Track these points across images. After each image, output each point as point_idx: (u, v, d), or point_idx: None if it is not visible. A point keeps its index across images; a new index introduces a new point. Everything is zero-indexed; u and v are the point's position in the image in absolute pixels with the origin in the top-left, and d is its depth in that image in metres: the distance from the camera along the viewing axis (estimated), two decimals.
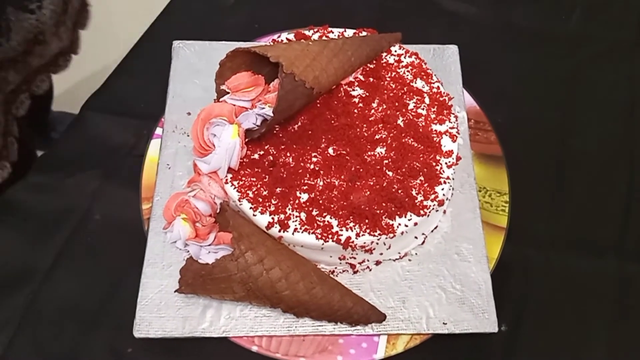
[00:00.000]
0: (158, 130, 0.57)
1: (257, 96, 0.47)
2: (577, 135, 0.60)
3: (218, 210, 0.49)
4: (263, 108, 0.46)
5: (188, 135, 0.55)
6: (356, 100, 0.51)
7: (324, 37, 0.54)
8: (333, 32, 0.55)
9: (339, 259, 0.48)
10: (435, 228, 0.52)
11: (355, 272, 0.50)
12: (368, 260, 0.49)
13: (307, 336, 0.48)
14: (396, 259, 0.50)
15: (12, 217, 0.53)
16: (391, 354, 0.48)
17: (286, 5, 0.67)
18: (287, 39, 0.54)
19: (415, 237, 0.50)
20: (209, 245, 0.47)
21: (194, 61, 0.60)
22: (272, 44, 0.54)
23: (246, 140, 0.46)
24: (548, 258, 0.53)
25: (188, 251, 0.49)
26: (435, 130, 0.50)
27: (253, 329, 0.47)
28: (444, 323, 0.48)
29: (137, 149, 0.56)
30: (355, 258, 0.48)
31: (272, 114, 0.45)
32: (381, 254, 0.49)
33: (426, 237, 0.51)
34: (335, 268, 0.50)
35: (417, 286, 0.50)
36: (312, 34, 0.54)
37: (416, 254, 0.51)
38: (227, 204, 0.49)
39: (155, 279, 0.49)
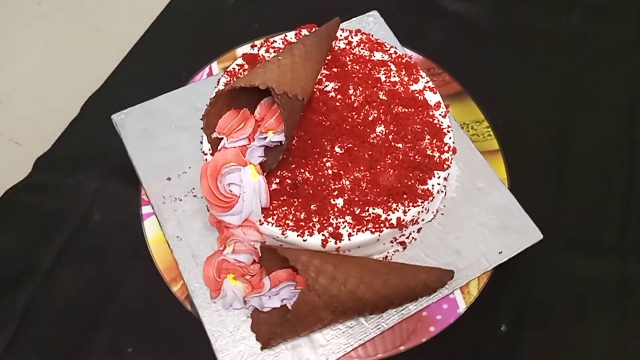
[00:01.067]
0: (145, 209, 0.53)
1: (252, 129, 0.46)
2: (577, 135, 0.60)
3: (260, 254, 0.47)
4: (266, 137, 0.45)
5: (181, 200, 0.52)
6: (333, 94, 0.51)
7: (270, 49, 0.53)
8: (277, 41, 0.54)
9: (391, 242, 0.49)
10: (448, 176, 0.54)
11: (405, 248, 0.51)
12: (413, 232, 0.50)
13: (395, 325, 0.48)
14: (432, 219, 0.52)
15: (12, 217, 0.53)
16: (471, 302, 0.50)
17: (286, 6, 0.66)
18: (237, 65, 0.52)
19: (440, 191, 0.52)
20: (269, 290, 0.46)
21: (143, 126, 0.56)
22: (225, 75, 0.52)
23: (265, 174, 0.45)
24: (548, 258, 0.54)
25: (248, 307, 0.48)
26: (416, 90, 0.52)
27: (349, 344, 0.47)
28: (499, 252, 0.51)
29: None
30: (404, 234, 0.49)
31: (279, 139, 0.44)
32: (422, 220, 0.50)
33: (446, 187, 0.53)
34: (388, 252, 0.50)
35: (461, 233, 0.52)
36: (258, 50, 0.53)
37: (444, 206, 0.53)
38: (266, 244, 0.47)
39: (230, 349, 0.47)
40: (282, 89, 0.43)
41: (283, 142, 0.44)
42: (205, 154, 0.48)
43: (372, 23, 0.62)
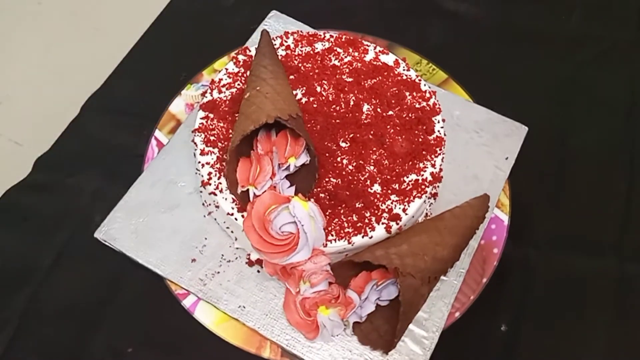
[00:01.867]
0: (188, 301, 0.49)
1: (272, 167, 0.44)
2: (577, 135, 0.60)
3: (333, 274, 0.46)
4: (288, 166, 0.44)
5: (218, 273, 0.49)
6: (305, 99, 0.51)
7: (222, 89, 0.51)
8: (222, 78, 0.52)
9: (428, 198, 0.51)
10: None
11: (436, 199, 0.53)
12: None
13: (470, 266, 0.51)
14: None
15: (12, 217, 0.53)
16: (510, 211, 0.53)
17: (286, 6, 0.63)
18: (201, 118, 0.50)
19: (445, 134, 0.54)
20: (360, 300, 0.46)
21: (133, 227, 0.51)
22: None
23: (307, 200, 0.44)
24: (548, 258, 0.53)
25: (345, 329, 0.47)
26: (372, 59, 0.53)
27: (446, 304, 0.48)
28: (506, 158, 0.55)
29: (137, 149, 0.55)
30: (435, 186, 0.51)
31: (303, 161, 0.43)
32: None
33: None
34: (426, 210, 0.52)
35: (469, 161, 0.55)
36: (210, 94, 0.51)
37: None
38: (331, 262, 0.46)
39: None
40: (286, 113, 0.42)
41: (308, 161, 0.43)
42: (232, 214, 0.46)
43: (279, 22, 0.62)
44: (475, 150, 0.56)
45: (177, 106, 0.58)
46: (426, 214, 0.52)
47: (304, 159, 0.44)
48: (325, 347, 0.47)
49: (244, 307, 0.48)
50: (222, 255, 0.50)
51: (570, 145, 0.59)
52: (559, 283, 0.52)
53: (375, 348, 0.46)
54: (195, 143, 0.49)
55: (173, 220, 0.51)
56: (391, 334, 0.45)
